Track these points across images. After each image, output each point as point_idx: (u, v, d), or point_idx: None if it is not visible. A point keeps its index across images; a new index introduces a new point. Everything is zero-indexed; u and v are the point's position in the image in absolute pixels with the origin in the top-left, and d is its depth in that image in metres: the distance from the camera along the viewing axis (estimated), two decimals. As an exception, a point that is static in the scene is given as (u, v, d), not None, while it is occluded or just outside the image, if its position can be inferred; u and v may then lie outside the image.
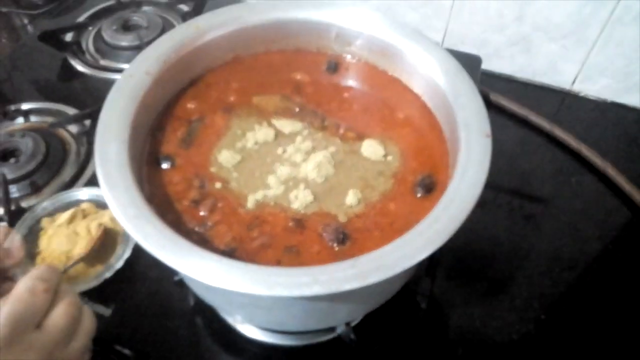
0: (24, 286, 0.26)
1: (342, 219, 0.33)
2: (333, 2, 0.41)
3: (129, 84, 0.35)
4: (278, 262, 0.31)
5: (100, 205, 0.46)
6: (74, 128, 0.55)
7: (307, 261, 0.31)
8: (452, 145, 0.35)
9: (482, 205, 0.50)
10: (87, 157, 0.52)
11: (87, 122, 0.55)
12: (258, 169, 0.36)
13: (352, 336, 0.38)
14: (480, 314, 0.43)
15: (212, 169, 0.35)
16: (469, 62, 0.53)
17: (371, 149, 0.36)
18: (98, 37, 0.65)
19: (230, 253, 0.31)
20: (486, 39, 0.61)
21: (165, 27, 0.65)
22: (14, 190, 0.49)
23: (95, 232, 0.44)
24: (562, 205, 0.51)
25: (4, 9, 0.71)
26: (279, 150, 0.37)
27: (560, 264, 0.46)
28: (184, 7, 0.69)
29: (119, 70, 0.61)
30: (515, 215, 0.50)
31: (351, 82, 0.42)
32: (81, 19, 0.68)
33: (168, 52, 0.38)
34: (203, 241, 0.32)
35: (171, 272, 0.40)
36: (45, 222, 0.45)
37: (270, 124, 0.38)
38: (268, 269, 0.27)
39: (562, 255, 0.47)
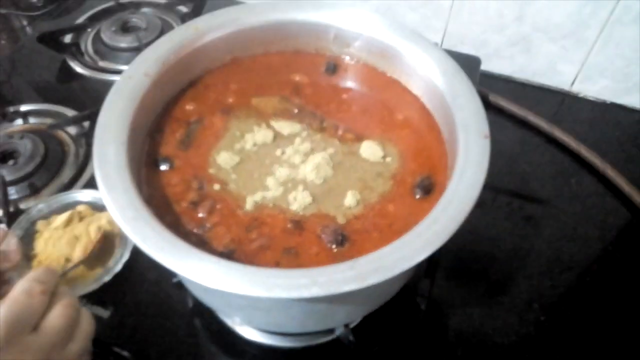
0: (21, 288, 0.26)
1: (340, 220, 0.33)
2: (332, 3, 0.41)
3: (127, 86, 0.35)
4: (277, 264, 0.31)
5: (97, 207, 0.46)
6: (72, 129, 0.55)
7: (305, 263, 0.31)
8: (450, 147, 0.35)
9: (482, 206, 0.50)
10: (86, 159, 0.52)
11: (86, 124, 0.55)
12: (257, 171, 0.36)
13: (351, 338, 0.38)
14: (479, 315, 0.43)
15: (211, 171, 0.35)
16: (468, 63, 0.53)
17: (370, 150, 0.36)
18: (97, 38, 0.65)
19: (228, 255, 0.31)
20: (486, 40, 0.61)
21: (164, 29, 0.65)
22: (13, 192, 0.49)
23: (94, 235, 0.43)
24: (562, 206, 0.51)
25: (3, 11, 0.71)
26: (278, 152, 0.37)
27: (560, 265, 0.46)
28: (183, 9, 0.69)
29: (118, 72, 0.61)
30: (514, 216, 0.50)
31: (350, 83, 0.42)
32: (80, 20, 0.68)
33: (167, 54, 0.38)
34: (202, 243, 0.32)
35: (170, 274, 0.40)
36: (40, 224, 0.45)
37: (269, 126, 0.38)
38: (266, 270, 0.27)
39: (561, 257, 0.47)
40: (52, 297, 0.27)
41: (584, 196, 0.52)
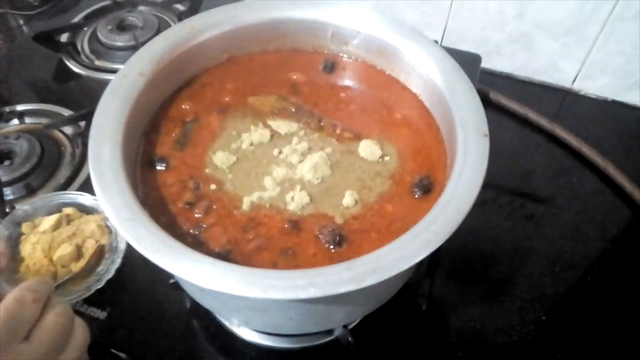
0: (12, 296, 0.26)
1: (338, 220, 0.33)
2: (329, 0, 0.40)
3: (122, 85, 0.35)
4: (274, 265, 0.31)
5: (85, 210, 0.45)
6: (69, 129, 0.55)
7: (303, 263, 0.31)
8: (449, 145, 0.34)
9: (483, 205, 0.50)
10: (82, 159, 0.52)
11: (82, 124, 0.54)
12: (254, 170, 0.35)
13: (350, 339, 0.37)
14: (480, 315, 0.42)
15: (207, 171, 0.35)
16: (469, 61, 0.53)
17: (368, 149, 0.36)
18: (93, 37, 0.65)
19: (225, 255, 0.31)
20: (486, 37, 0.61)
21: (161, 27, 0.64)
22: (9, 193, 0.49)
23: (90, 247, 0.42)
24: (563, 204, 0.50)
25: (-1, 10, 0.71)
26: (275, 151, 0.36)
27: (561, 264, 0.46)
28: (180, 7, 0.69)
29: (115, 71, 0.59)
30: (515, 215, 0.49)
31: (348, 81, 0.42)
32: (76, 19, 0.67)
33: (162, 53, 0.37)
34: (198, 243, 0.31)
35: (166, 275, 0.39)
36: (25, 227, 0.44)
37: (266, 125, 0.38)
38: (263, 271, 0.27)
39: (562, 255, 0.47)
40: (44, 306, 0.27)
41: (585, 194, 0.51)
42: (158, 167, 0.35)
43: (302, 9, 0.41)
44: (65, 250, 0.41)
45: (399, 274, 0.26)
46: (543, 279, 0.45)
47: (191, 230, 0.32)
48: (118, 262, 0.42)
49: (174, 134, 0.37)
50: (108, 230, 0.44)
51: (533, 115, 0.57)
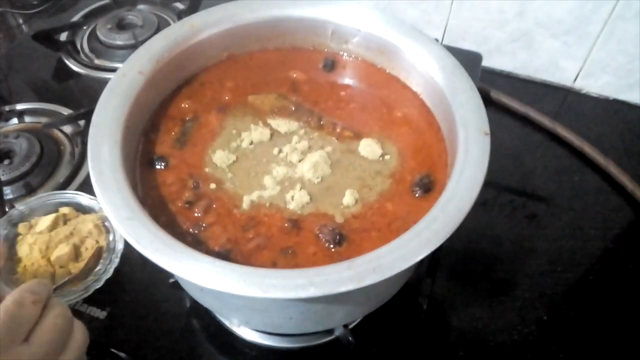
0: (12, 298, 0.26)
1: (339, 219, 0.32)
2: (329, -2, 0.40)
3: (121, 84, 0.35)
4: (274, 264, 0.30)
5: (81, 209, 0.45)
6: (68, 128, 0.54)
7: (303, 262, 0.30)
8: (450, 144, 0.34)
9: (484, 204, 0.50)
10: (82, 158, 0.52)
11: (82, 123, 0.54)
12: (253, 169, 0.35)
13: (351, 338, 0.37)
14: (482, 315, 0.42)
15: (207, 170, 0.35)
16: (469, 59, 0.53)
17: (368, 148, 0.36)
18: (93, 36, 0.65)
19: (225, 255, 0.31)
20: (487, 35, 0.60)
21: (161, 26, 0.64)
22: (8, 192, 0.49)
23: (89, 249, 0.42)
24: (564, 204, 0.50)
25: (-1, 9, 0.71)
26: (275, 150, 0.36)
27: (562, 263, 0.46)
28: (180, 5, 0.69)
29: (114, 70, 0.60)
30: (517, 215, 0.49)
31: (348, 80, 0.41)
32: (76, 18, 0.67)
33: (162, 51, 0.37)
34: (197, 243, 0.31)
35: (166, 275, 0.39)
36: (22, 227, 0.43)
37: (265, 124, 0.38)
38: (263, 270, 0.27)
39: (564, 255, 0.46)
40: (44, 308, 0.27)
41: (587, 194, 0.51)
42: (157, 166, 0.35)
43: (302, 7, 0.40)
44: (62, 250, 0.41)
45: (399, 273, 0.26)
46: (544, 279, 0.45)
47: (191, 230, 0.32)
48: (116, 262, 0.42)
49: (173, 133, 0.37)
50: (105, 229, 0.44)
51: (534, 114, 0.57)
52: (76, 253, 0.42)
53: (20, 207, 0.44)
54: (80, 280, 0.41)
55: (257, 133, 0.37)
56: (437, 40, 0.39)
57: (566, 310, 0.43)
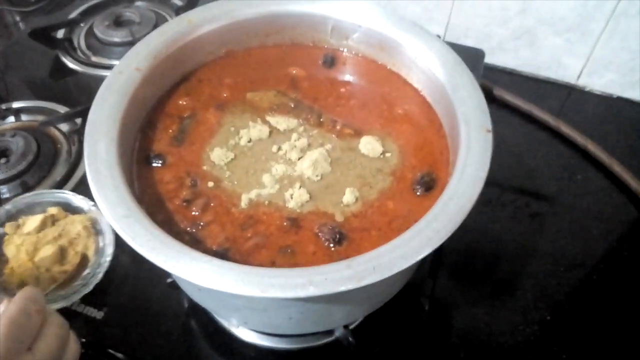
0: (17, 307, 0.26)
1: (339, 218, 0.32)
2: (329, -6, 0.40)
3: (118, 81, 0.34)
4: (272, 263, 0.30)
5: (70, 209, 0.44)
6: (65, 126, 0.54)
7: (302, 262, 0.30)
8: (452, 141, 0.34)
9: (487, 203, 0.49)
10: (79, 156, 0.51)
11: (79, 121, 0.54)
12: (252, 167, 0.35)
13: (351, 339, 0.37)
14: (484, 315, 0.42)
15: (205, 167, 0.34)
16: (472, 56, 0.52)
17: (369, 145, 0.35)
18: (90, 33, 0.64)
19: (223, 253, 0.30)
20: (489, 33, 0.60)
21: (158, 22, 0.64)
22: (5, 191, 0.48)
23: (76, 255, 0.41)
24: (568, 203, 0.50)
25: (-4, 7, 0.70)
26: (274, 148, 0.35)
27: (566, 263, 0.45)
28: (178, 2, 0.68)
29: (111, 67, 0.58)
30: (520, 214, 0.49)
31: (348, 76, 0.41)
32: (73, 15, 0.67)
33: (159, 48, 0.37)
34: (195, 241, 0.31)
35: (164, 274, 0.39)
36: (8, 227, 0.42)
37: (264, 121, 0.37)
38: (261, 270, 0.26)
39: (567, 254, 0.46)
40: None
41: (590, 192, 0.51)
42: (154, 164, 0.34)
43: (302, 3, 0.40)
44: (47, 252, 0.40)
45: (400, 273, 0.25)
46: (547, 279, 0.44)
47: (188, 228, 0.31)
48: (105, 266, 0.41)
49: (170, 130, 0.36)
50: (95, 232, 0.43)
51: (537, 112, 0.56)
52: (62, 255, 0.41)
53: (6, 206, 0.43)
54: (67, 284, 0.40)
55: (256, 130, 0.36)
56: (438, 36, 0.38)
57: (569, 310, 0.42)
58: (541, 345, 0.40)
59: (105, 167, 0.30)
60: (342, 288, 0.25)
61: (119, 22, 0.64)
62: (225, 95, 0.39)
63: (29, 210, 0.44)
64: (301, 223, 0.32)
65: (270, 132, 0.36)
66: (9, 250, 0.41)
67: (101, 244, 0.42)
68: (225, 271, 0.26)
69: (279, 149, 0.35)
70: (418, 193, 0.33)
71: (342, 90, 0.40)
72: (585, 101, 0.60)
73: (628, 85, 0.58)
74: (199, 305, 0.36)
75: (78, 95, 0.59)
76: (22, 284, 0.39)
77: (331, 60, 0.41)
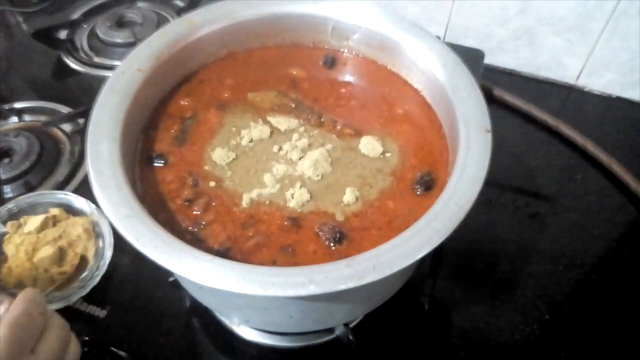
0: (20, 309, 0.26)
1: (339, 217, 0.32)
2: (329, -5, 0.40)
3: (120, 82, 0.35)
4: (273, 262, 0.30)
5: (71, 211, 0.44)
6: (67, 127, 0.54)
7: (303, 261, 0.30)
8: (451, 142, 0.34)
9: (487, 203, 0.49)
10: (82, 157, 0.51)
11: (81, 121, 0.54)
12: (253, 167, 0.35)
13: (351, 337, 0.37)
14: (483, 314, 0.42)
15: (206, 167, 0.35)
16: (472, 57, 0.52)
17: (369, 145, 0.36)
18: (92, 34, 0.65)
19: (224, 253, 0.30)
20: (489, 33, 0.60)
21: (160, 23, 0.64)
22: (8, 190, 0.48)
23: (75, 256, 0.41)
24: (567, 202, 0.50)
25: (-1, 7, 0.71)
26: (275, 148, 0.36)
27: (565, 262, 0.45)
28: (179, 3, 0.69)
29: (114, 68, 0.59)
30: (519, 214, 0.49)
31: (349, 77, 0.41)
32: (75, 16, 0.67)
33: (160, 49, 0.37)
34: (197, 241, 0.31)
35: (166, 273, 0.39)
36: (10, 226, 0.42)
37: (265, 121, 0.37)
38: (262, 268, 0.26)
39: (566, 254, 0.46)
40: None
41: (590, 192, 0.51)
42: (156, 164, 0.35)
43: (302, 4, 0.40)
44: (46, 252, 0.40)
45: (400, 272, 0.26)
46: (546, 278, 0.44)
47: (190, 228, 0.32)
48: (104, 269, 0.41)
49: (172, 131, 0.37)
50: (95, 234, 0.42)
51: (537, 112, 0.56)
52: (61, 256, 0.41)
53: (9, 204, 0.43)
54: (65, 286, 0.40)
55: (257, 131, 0.36)
56: (438, 37, 0.38)
57: (568, 309, 0.43)
58: (540, 344, 0.41)
59: (107, 167, 0.30)
60: (342, 287, 0.25)
61: (121, 23, 0.65)
62: (226, 95, 0.39)
63: (31, 210, 0.44)
64: (302, 222, 0.32)
65: (271, 132, 0.37)
66: (9, 249, 0.41)
67: (101, 247, 0.42)
68: (227, 270, 0.26)
69: (280, 149, 0.36)
70: (418, 193, 0.33)
71: (343, 90, 0.40)
72: (585, 101, 0.60)
73: (628, 86, 0.58)
74: (200, 303, 0.36)
75: (80, 96, 0.59)
76: (19, 284, 0.39)
77: (331, 61, 0.41)
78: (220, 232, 0.31)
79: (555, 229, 0.48)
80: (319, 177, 0.34)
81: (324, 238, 0.31)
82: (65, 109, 0.56)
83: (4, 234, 0.43)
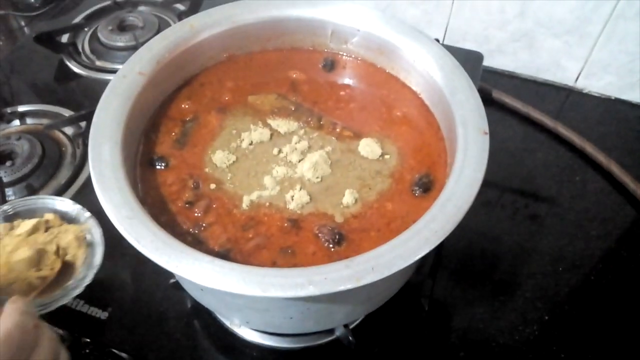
0: (13, 322, 0.25)
1: (338, 219, 0.32)
2: (329, -1, 0.40)
3: (122, 85, 0.35)
4: (273, 263, 0.30)
5: (67, 218, 0.43)
6: (69, 130, 0.55)
7: (302, 262, 0.30)
8: (450, 143, 0.34)
9: (486, 205, 0.50)
10: (83, 159, 0.52)
11: (83, 124, 0.55)
12: (253, 170, 0.35)
13: (351, 338, 0.37)
14: (483, 315, 0.42)
15: (207, 170, 0.35)
16: (471, 59, 0.53)
17: (368, 147, 0.36)
18: (94, 38, 0.65)
19: (224, 254, 0.31)
20: (488, 35, 0.60)
21: (162, 27, 0.65)
22: (10, 193, 0.49)
23: (52, 262, 0.39)
24: (566, 204, 0.50)
25: (1, 12, 0.71)
26: (275, 150, 0.36)
27: (564, 263, 0.46)
28: (180, 7, 0.69)
29: (115, 71, 0.59)
30: (519, 215, 0.49)
31: (348, 80, 0.41)
32: (77, 20, 0.68)
33: (162, 52, 0.37)
34: (197, 242, 0.31)
35: (167, 275, 0.39)
36: (2, 227, 0.41)
37: (265, 124, 0.38)
38: (262, 270, 0.27)
39: (566, 255, 0.46)
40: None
41: (589, 193, 0.51)
42: (158, 166, 0.35)
43: (302, 8, 0.40)
44: (23, 254, 0.38)
45: (398, 272, 0.26)
46: (546, 279, 0.44)
47: (191, 229, 0.32)
48: (90, 278, 0.39)
49: (173, 133, 0.37)
50: (86, 243, 0.41)
51: (536, 114, 0.56)
52: (40, 259, 0.39)
53: (4, 206, 0.43)
54: (47, 292, 0.38)
55: (257, 133, 0.37)
56: (436, 40, 0.39)
57: (568, 310, 0.43)
58: (540, 345, 0.41)
59: (109, 169, 0.30)
60: (342, 288, 0.25)
61: (122, 27, 0.65)
62: (226, 98, 0.39)
63: (27, 214, 0.43)
64: (301, 224, 0.32)
65: (271, 135, 0.37)
66: None
67: (89, 256, 0.40)
68: (227, 271, 0.26)
69: (280, 151, 0.36)
70: (416, 194, 0.33)
71: (342, 93, 0.40)
72: (584, 103, 0.60)
73: (626, 87, 0.59)
74: (201, 305, 0.36)
75: (82, 99, 0.59)
76: None
77: (331, 64, 0.42)
78: (221, 234, 0.32)
79: (555, 230, 0.48)
80: (319, 179, 0.34)
81: (323, 239, 0.31)
82: (67, 112, 0.56)
83: None
